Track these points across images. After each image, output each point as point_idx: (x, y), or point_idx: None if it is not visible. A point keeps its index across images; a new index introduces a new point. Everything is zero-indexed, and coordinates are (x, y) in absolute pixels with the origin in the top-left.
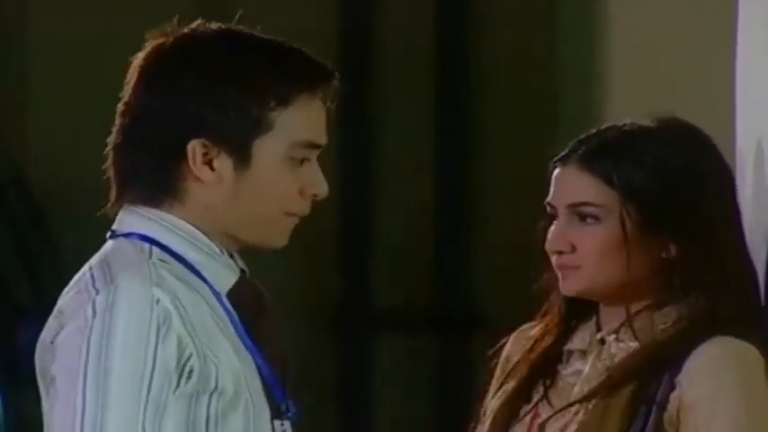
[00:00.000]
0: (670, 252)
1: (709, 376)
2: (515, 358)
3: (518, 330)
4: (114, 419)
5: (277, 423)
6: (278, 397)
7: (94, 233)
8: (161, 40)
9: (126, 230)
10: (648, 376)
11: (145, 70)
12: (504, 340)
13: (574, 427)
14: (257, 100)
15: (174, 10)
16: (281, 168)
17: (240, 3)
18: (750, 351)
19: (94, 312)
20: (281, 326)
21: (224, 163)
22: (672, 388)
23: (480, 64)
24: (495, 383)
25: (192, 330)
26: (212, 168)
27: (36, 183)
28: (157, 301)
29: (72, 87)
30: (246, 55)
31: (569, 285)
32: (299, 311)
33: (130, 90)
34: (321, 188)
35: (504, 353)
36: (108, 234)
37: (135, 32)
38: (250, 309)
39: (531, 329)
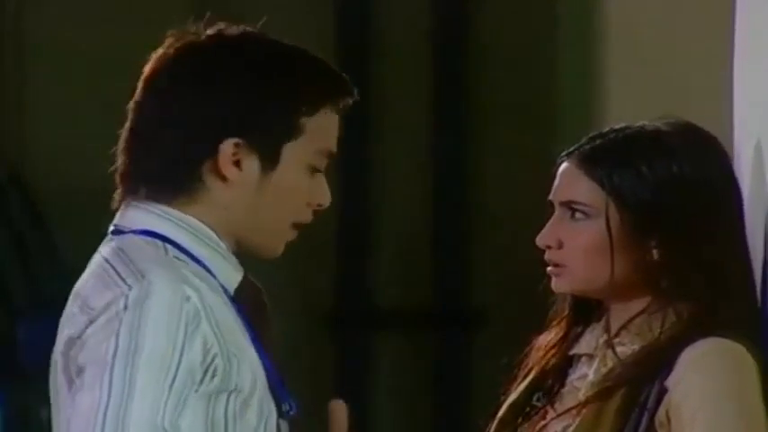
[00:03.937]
0: (652, 256)
1: (694, 373)
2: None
3: (540, 336)
4: (138, 409)
5: (282, 422)
6: (281, 395)
7: (93, 233)
8: (192, 38)
9: (134, 227)
10: (640, 380)
11: (176, 63)
12: (529, 347)
13: (570, 430)
14: (292, 104)
15: (172, 11)
16: (303, 174)
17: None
18: (736, 350)
19: (126, 306)
20: (275, 323)
21: (252, 164)
22: (663, 391)
23: (480, 64)
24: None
25: (217, 330)
26: (240, 168)
27: (35, 183)
28: (188, 298)
29: (71, 88)
30: (280, 59)
31: (557, 283)
32: (299, 310)
33: (150, 84)
34: (326, 199)
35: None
36: (111, 229)
37: (134, 33)
38: (251, 306)
39: (549, 335)
